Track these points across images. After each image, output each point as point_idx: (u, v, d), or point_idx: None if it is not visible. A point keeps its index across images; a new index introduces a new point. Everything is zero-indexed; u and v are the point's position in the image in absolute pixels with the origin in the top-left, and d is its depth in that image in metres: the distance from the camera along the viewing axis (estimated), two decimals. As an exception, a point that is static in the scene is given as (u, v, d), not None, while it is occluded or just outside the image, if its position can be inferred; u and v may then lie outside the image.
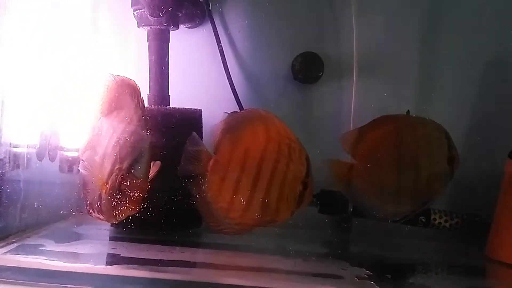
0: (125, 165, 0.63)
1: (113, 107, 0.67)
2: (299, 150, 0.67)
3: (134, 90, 0.65)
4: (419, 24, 0.89)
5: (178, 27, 0.83)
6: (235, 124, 0.68)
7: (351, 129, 0.88)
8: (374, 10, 0.89)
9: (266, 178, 0.66)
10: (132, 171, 0.62)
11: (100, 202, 0.63)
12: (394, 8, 0.90)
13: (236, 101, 0.89)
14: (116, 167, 0.63)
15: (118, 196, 0.62)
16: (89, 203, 0.66)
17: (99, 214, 0.64)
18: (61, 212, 0.78)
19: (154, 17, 0.75)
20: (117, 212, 0.62)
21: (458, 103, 0.89)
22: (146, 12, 0.75)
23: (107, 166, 0.64)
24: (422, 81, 0.89)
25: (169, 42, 0.81)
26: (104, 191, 0.63)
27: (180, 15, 0.82)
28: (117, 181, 0.62)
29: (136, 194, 0.62)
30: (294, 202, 0.67)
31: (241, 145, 0.66)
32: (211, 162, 0.66)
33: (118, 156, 0.63)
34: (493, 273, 0.72)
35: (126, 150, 0.63)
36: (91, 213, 0.66)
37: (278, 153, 0.66)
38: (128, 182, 0.62)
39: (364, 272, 0.61)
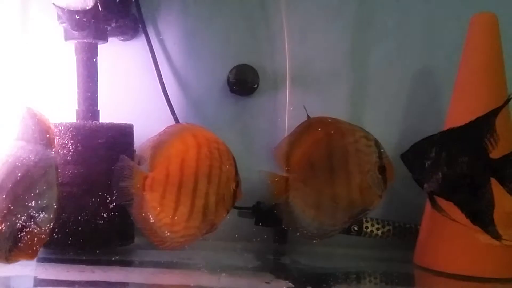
0: (26, 208, 0.58)
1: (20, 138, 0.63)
2: (226, 152, 0.69)
3: (42, 123, 0.63)
4: (349, 35, 0.91)
5: (107, 41, 0.82)
6: (164, 139, 0.68)
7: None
8: (305, 23, 0.91)
9: (204, 184, 0.67)
10: (35, 218, 0.58)
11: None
12: (324, 21, 0.91)
13: (172, 114, 0.89)
14: (15, 208, 0.58)
15: (11, 243, 0.57)
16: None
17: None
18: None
19: (77, 31, 0.74)
20: (9, 256, 0.58)
21: (388, 113, 0.91)
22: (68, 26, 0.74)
23: (4, 203, 0.59)
24: (354, 91, 0.91)
25: (97, 55, 0.81)
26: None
27: (109, 28, 0.81)
28: (15, 227, 0.57)
29: (35, 247, 0.58)
30: (230, 201, 0.69)
31: (175, 158, 0.67)
32: (148, 181, 0.66)
33: (19, 195, 0.59)
34: (420, 280, 0.74)
35: (28, 192, 0.59)
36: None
37: (210, 158, 0.67)
38: (27, 232, 0.57)
39: (287, 285, 0.61)
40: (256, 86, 0.91)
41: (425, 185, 0.66)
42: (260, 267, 0.72)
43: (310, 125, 0.72)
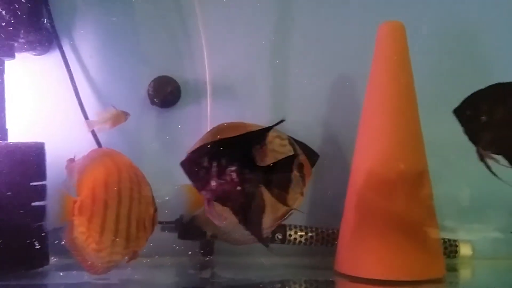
0: None
1: None
2: (143, 177, 0.70)
3: None
4: (269, 43, 0.92)
5: (14, 57, 0.79)
6: (88, 163, 0.69)
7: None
8: (223, 32, 0.91)
9: (126, 207, 0.67)
10: None
11: None
12: (243, 29, 0.91)
13: (90, 132, 0.86)
14: None
15: None
16: None
17: None
18: None
19: (-24, 47, 0.71)
20: None
21: (308, 119, 0.92)
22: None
23: None
24: (275, 99, 0.92)
25: (3, 73, 0.78)
26: None
27: (16, 44, 0.78)
28: None
29: None
30: (150, 226, 0.69)
31: (99, 182, 0.67)
32: (76, 205, 0.67)
33: None
34: (340, 287, 0.74)
35: None
36: None
37: (130, 182, 0.68)
38: None
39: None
40: (177, 97, 0.91)
41: None
42: (175, 283, 0.71)
43: (218, 132, 0.72)
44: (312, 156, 0.84)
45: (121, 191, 0.67)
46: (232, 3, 0.91)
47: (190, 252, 0.84)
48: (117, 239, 0.66)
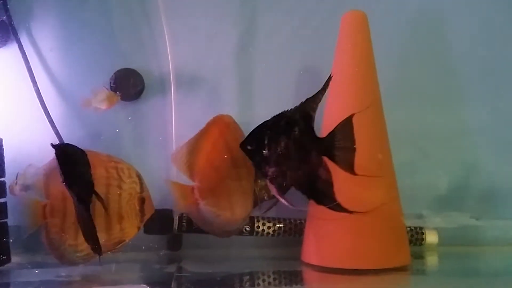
0: None
1: None
2: (127, 169, 0.71)
3: None
4: (234, 34, 0.91)
5: (-33, 51, 0.77)
6: (56, 165, 0.66)
7: (174, 146, 0.88)
8: (187, 23, 0.89)
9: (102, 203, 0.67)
10: None
11: None
12: (207, 20, 0.90)
13: (51, 125, 0.84)
14: None
15: None
16: None
17: None
18: None
19: None
20: None
21: (277, 109, 0.91)
22: None
23: None
24: (240, 90, 0.91)
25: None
26: None
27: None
28: None
29: None
30: (137, 218, 0.71)
31: None
32: (47, 209, 0.69)
33: None
34: (307, 277, 0.74)
35: None
36: None
37: (107, 178, 0.69)
38: None
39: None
40: (140, 90, 0.89)
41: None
42: (139, 278, 0.70)
43: (207, 131, 0.73)
44: None
45: (95, 188, 0.66)
46: (195, -6, 0.91)
47: (156, 246, 0.84)
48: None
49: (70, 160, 0.61)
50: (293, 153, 0.61)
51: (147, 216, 0.72)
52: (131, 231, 0.70)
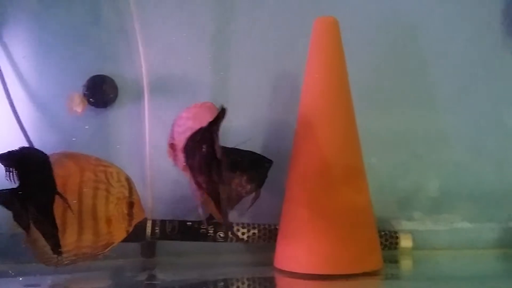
0: None
1: None
2: (116, 173, 0.71)
3: None
4: (207, 39, 0.91)
5: None
6: None
7: (148, 152, 0.88)
8: (160, 29, 0.89)
9: (89, 206, 0.68)
10: None
11: None
12: (181, 25, 0.90)
13: (23, 134, 0.84)
14: None
15: None
16: None
17: None
18: None
19: None
20: None
21: (251, 115, 0.91)
22: None
23: None
24: (215, 96, 0.90)
25: None
26: None
27: None
28: None
29: None
30: (125, 221, 0.71)
31: (58, 185, 0.65)
32: None
33: None
34: (280, 283, 0.74)
35: None
36: None
37: (96, 181, 0.69)
38: None
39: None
40: (114, 97, 0.89)
41: None
42: (108, 286, 0.70)
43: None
44: (265, 163, 0.84)
45: (82, 191, 0.68)
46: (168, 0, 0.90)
47: (129, 254, 0.83)
48: (83, 235, 0.68)
49: (27, 162, 0.61)
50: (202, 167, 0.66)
51: (136, 220, 0.72)
52: (120, 234, 0.71)
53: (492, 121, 0.92)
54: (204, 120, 0.68)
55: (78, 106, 0.83)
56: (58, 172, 0.67)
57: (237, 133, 0.84)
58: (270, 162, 0.84)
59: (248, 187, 0.82)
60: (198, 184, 0.68)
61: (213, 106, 0.76)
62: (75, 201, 0.68)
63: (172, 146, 0.76)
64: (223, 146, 0.67)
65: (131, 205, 0.71)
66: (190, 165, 0.68)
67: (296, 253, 0.72)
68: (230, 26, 0.91)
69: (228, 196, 0.72)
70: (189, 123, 0.73)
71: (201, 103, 0.77)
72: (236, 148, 0.81)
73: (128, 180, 0.72)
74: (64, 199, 0.64)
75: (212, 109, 0.75)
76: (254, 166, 0.81)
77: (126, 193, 0.71)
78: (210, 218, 0.75)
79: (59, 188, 0.65)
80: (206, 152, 0.65)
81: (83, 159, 0.70)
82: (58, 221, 0.66)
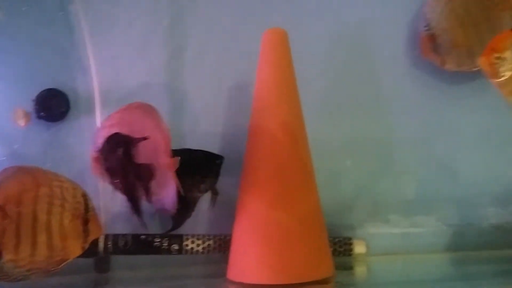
0: None
1: None
2: (73, 189, 0.70)
3: None
4: (162, 51, 0.91)
5: None
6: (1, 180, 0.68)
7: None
8: (113, 42, 0.89)
9: (43, 221, 0.67)
10: None
11: None
12: (134, 39, 0.90)
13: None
14: None
15: None
16: None
17: None
18: None
19: None
20: None
21: (208, 128, 0.91)
22: None
23: None
24: (171, 108, 0.91)
25: None
26: None
27: None
28: None
29: None
30: (80, 238, 0.70)
31: (12, 199, 0.66)
32: None
33: None
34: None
35: None
36: None
37: (51, 196, 0.68)
38: None
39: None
40: (66, 111, 0.88)
41: None
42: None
43: None
44: (216, 159, 0.84)
45: (37, 205, 0.67)
46: (120, 11, 0.90)
47: (83, 269, 0.82)
48: (37, 250, 0.66)
49: None
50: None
51: (92, 237, 0.72)
52: (75, 250, 0.70)
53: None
54: (133, 123, 0.68)
55: (22, 120, 0.82)
56: (14, 187, 0.66)
57: (194, 143, 0.85)
58: (221, 158, 0.85)
59: (201, 186, 0.83)
60: (115, 186, 0.69)
61: (142, 105, 0.75)
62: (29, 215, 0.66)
63: (96, 160, 0.72)
64: (172, 149, 0.67)
65: (86, 221, 0.71)
66: (107, 168, 0.69)
67: (246, 263, 0.72)
68: (185, 39, 0.92)
69: (183, 205, 0.73)
70: (114, 130, 0.70)
71: (126, 105, 0.74)
72: (186, 149, 0.82)
73: (84, 196, 0.72)
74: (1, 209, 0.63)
75: (141, 108, 0.74)
76: (205, 164, 0.82)
77: (82, 209, 0.70)
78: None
79: (11, 204, 0.65)
80: (122, 155, 0.66)
81: (40, 173, 0.69)
82: (11, 235, 0.66)
